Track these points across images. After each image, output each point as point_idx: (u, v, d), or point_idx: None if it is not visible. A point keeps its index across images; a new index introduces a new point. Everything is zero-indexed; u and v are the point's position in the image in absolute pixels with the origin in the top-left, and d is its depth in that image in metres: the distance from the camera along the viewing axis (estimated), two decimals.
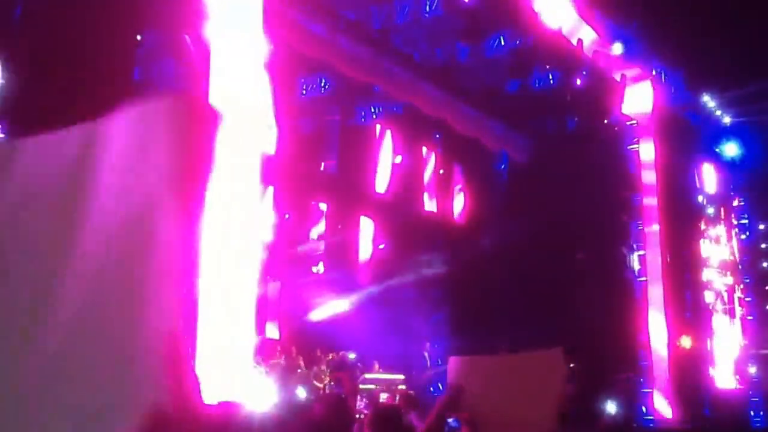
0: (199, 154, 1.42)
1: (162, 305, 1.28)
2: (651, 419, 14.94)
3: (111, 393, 1.29)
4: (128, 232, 1.39)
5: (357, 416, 8.87)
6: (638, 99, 16.13)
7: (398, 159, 16.93)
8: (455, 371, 5.18)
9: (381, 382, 12.64)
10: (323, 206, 16.01)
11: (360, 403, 10.93)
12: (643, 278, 15.84)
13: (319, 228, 15.81)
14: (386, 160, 16.63)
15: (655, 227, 15.91)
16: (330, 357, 12.64)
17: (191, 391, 1.14)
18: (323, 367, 12.19)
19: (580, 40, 14.63)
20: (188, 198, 1.38)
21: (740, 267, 19.00)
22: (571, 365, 12.60)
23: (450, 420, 10.75)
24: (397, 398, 10.96)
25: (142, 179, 1.40)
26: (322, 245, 15.87)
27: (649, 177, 16.11)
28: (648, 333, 15.47)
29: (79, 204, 1.45)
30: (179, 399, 1.12)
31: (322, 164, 15.79)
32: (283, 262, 13.85)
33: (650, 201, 16.03)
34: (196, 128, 1.43)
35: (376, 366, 13.18)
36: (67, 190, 1.48)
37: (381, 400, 11.58)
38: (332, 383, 12.06)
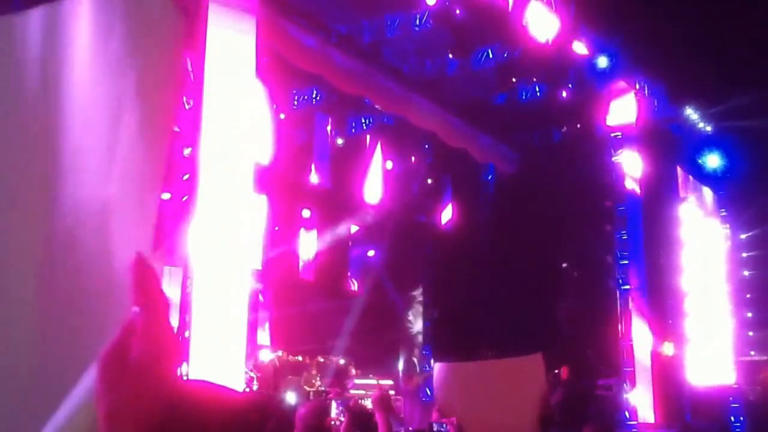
0: (165, 56, 1.21)
1: (127, 234, 1.15)
2: (634, 424, 15.22)
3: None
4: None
5: (333, 423, 9.05)
6: (622, 111, 16.49)
7: (389, 165, 17.22)
8: (441, 377, 5.42)
9: (370, 388, 12.88)
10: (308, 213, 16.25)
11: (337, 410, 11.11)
12: (627, 286, 16.15)
13: (309, 236, 16.06)
14: (377, 171, 16.92)
15: (639, 237, 16.24)
16: (320, 362, 12.89)
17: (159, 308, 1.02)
18: (313, 372, 12.44)
19: (566, 54, 14.99)
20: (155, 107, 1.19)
21: (722, 275, 19.36)
22: (556, 372, 12.91)
23: (437, 425, 11.04)
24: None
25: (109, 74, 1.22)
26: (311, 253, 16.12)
27: (632, 187, 16.46)
28: (631, 340, 15.76)
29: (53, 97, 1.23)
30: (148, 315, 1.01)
31: (313, 175, 16.04)
32: (275, 268, 14.06)
33: (634, 211, 16.37)
34: (160, 27, 1.22)
35: (355, 371, 13.46)
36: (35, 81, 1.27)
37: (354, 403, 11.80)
38: (321, 388, 12.30)
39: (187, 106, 11.21)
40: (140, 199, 1.16)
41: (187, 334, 9.15)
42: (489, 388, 5.25)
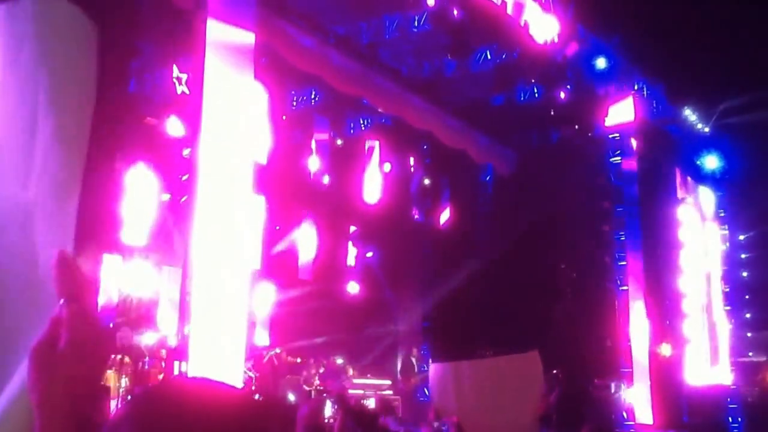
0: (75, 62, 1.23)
1: (51, 232, 1.19)
2: (631, 425, 15.26)
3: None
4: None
5: (327, 420, 9.11)
6: (621, 112, 16.53)
7: (387, 167, 17.29)
8: (436, 377, 5.43)
9: (368, 387, 12.95)
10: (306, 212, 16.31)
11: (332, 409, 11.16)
12: (625, 287, 16.20)
13: (309, 237, 16.11)
14: (375, 171, 16.98)
15: (637, 238, 16.29)
16: (318, 362, 12.95)
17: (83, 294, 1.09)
18: (312, 371, 12.51)
19: (564, 55, 15.04)
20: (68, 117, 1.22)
21: (720, 276, 19.40)
22: (554, 372, 12.95)
23: (437, 423, 11.05)
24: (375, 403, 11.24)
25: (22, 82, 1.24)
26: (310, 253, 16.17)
27: (630, 188, 16.51)
28: (629, 340, 15.81)
29: None
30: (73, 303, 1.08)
31: (312, 175, 16.10)
32: (274, 268, 14.12)
33: (632, 212, 16.42)
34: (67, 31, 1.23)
35: (353, 371, 13.52)
36: None
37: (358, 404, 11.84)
38: (320, 387, 12.36)
39: (184, 98, 11.25)
40: (60, 200, 1.21)
41: (186, 332, 9.20)
42: (486, 387, 5.24)
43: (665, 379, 16.16)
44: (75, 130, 1.24)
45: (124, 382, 10.33)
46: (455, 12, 13.20)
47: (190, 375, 8.70)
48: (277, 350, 12.38)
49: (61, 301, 1.10)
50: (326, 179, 16.31)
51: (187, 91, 11.00)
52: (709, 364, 18.17)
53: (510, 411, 5.20)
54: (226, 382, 1.18)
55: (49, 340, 1.09)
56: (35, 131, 1.22)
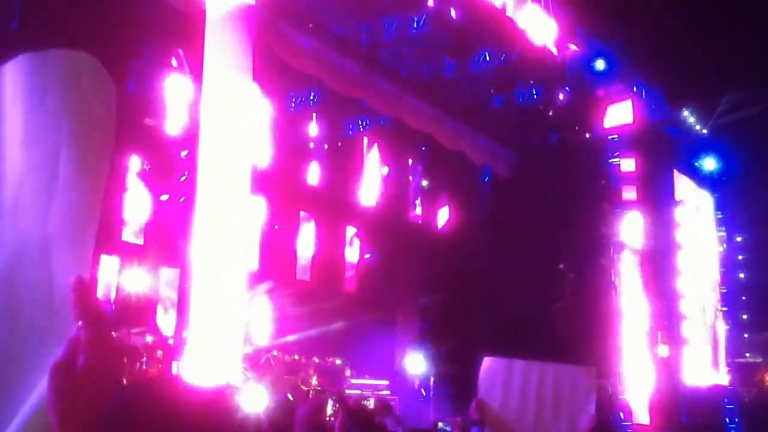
0: (96, 110, 1.33)
1: (68, 257, 1.27)
2: (629, 425, 15.30)
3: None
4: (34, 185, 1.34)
5: (327, 419, 9.14)
6: (619, 114, 16.57)
7: (385, 168, 17.31)
8: (487, 370, 5.42)
9: (365, 388, 12.97)
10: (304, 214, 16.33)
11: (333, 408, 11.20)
12: (623, 288, 16.23)
13: (307, 238, 16.13)
14: (373, 172, 16.99)
15: (635, 238, 16.32)
16: (316, 362, 12.97)
17: (100, 318, 1.19)
18: (310, 371, 12.53)
19: (563, 57, 15.08)
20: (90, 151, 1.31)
21: (718, 277, 19.45)
22: None
23: (442, 424, 11.03)
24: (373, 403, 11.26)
25: (41, 126, 1.34)
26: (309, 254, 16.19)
27: (629, 190, 16.55)
28: (627, 341, 15.85)
29: None
30: (91, 327, 1.18)
31: (310, 176, 16.11)
32: (272, 269, 14.14)
33: (630, 213, 16.47)
34: (90, 84, 1.34)
35: (351, 371, 13.54)
36: None
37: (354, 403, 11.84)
38: (318, 388, 12.38)
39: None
40: (79, 232, 1.28)
41: (184, 334, 9.22)
42: (538, 390, 5.25)
43: (663, 379, 16.21)
44: (93, 169, 1.32)
45: (122, 381, 10.33)
46: (454, 13, 13.22)
47: (186, 375, 8.73)
48: (275, 352, 12.39)
49: (79, 323, 1.19)
50: (325, 180, 16.32)
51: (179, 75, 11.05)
52: (706, 365, 18.21)
53: (556, 420, 5.21)
54: (216, 383, 1.22)
55: (68, 360, 1.18)
56: (57, 169, 1.32)
